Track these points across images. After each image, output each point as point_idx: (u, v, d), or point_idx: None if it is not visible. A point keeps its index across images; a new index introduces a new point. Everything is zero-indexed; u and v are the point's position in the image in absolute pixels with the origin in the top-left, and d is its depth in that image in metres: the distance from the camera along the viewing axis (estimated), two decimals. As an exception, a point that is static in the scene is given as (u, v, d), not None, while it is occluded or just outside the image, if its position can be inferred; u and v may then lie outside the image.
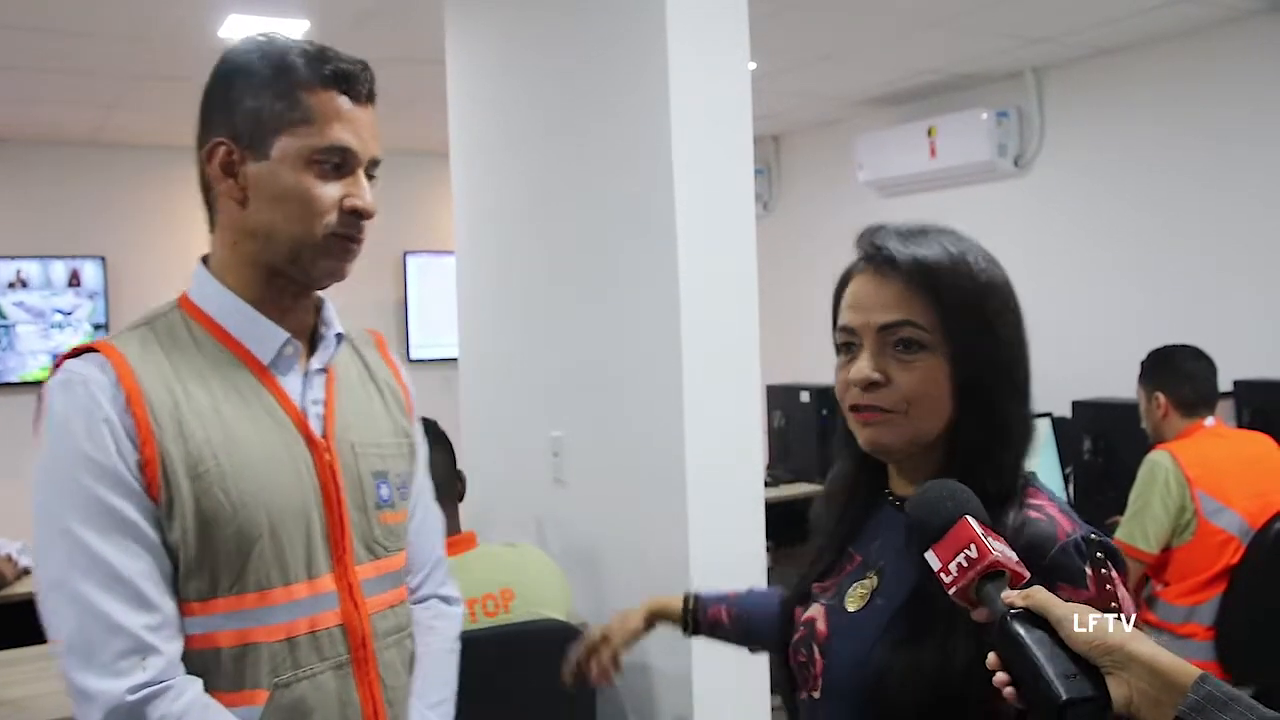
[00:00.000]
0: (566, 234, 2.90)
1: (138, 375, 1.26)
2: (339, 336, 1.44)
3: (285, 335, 1.36)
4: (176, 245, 6.87)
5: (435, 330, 7.24)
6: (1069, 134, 5.52)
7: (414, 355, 7.30)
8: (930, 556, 1.04)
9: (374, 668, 1.38)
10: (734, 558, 2.50)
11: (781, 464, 5.00)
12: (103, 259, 6.59)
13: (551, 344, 2.98)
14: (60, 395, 1.25)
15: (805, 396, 5.00)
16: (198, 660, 1.26)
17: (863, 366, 1.20)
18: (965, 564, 1.01)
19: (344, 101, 1.34)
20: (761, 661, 2.60)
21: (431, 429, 2.36)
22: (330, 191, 1.32)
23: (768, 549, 2.66)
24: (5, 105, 5.63)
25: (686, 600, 1.69)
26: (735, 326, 2.54)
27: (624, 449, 2.67)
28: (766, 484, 4.33)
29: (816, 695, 1.26)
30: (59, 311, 6.50)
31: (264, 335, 1.35)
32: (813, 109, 6.60)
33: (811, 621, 1.29)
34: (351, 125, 1.34)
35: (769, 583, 2.62)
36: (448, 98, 3.57)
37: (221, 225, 1.36)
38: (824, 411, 4.90)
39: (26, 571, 3.70)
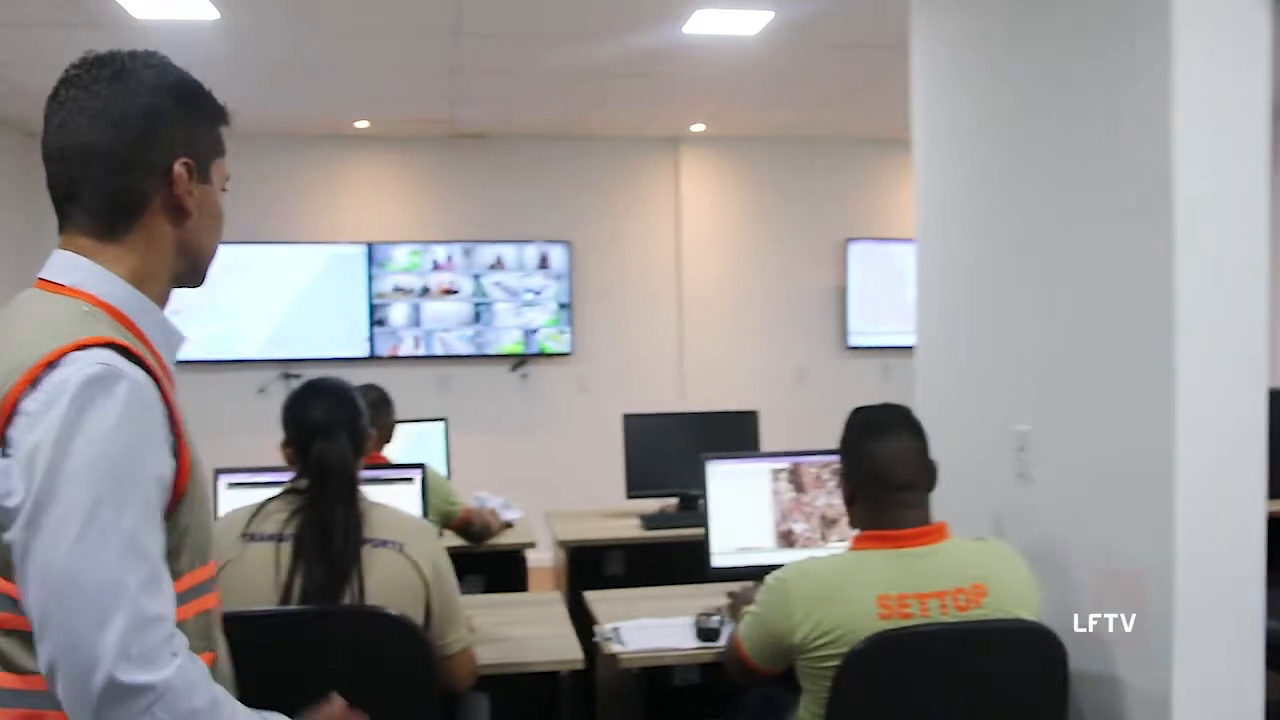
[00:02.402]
0: (1041, 221, 2.76)
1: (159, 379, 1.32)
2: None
3: (184, 337, 1.47)
4: (632, 230, 7.35)
5: (874, 318, 7.21)
6: None
7: (851, 342, 7.32)
8: None
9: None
10: (1224, 575, 2.28)
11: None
12: (568, 243, 7.17)
13: (1019, 333, 2.87)
14: (129, 393, 1.25)
15: (1296, 402, 4.45)
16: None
17: None
18: None
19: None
20: (1257, 685, 2.34)
21: (905, 416, 2.36)
22: None
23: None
24: (494, 105, 6.25)
25: None
26: (1240, 323, 2.31)
27: (1102, 447, 2.51)
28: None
29: None
30: (530, 291, 7.16)
31: (170, 338, 1.44)
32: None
33: None
34: None
35: (1268, 608, 2.37)
36: (911, 83, 3.52)
37: (149, 236, 1.40)
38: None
39: (509, 525, 4.09)
